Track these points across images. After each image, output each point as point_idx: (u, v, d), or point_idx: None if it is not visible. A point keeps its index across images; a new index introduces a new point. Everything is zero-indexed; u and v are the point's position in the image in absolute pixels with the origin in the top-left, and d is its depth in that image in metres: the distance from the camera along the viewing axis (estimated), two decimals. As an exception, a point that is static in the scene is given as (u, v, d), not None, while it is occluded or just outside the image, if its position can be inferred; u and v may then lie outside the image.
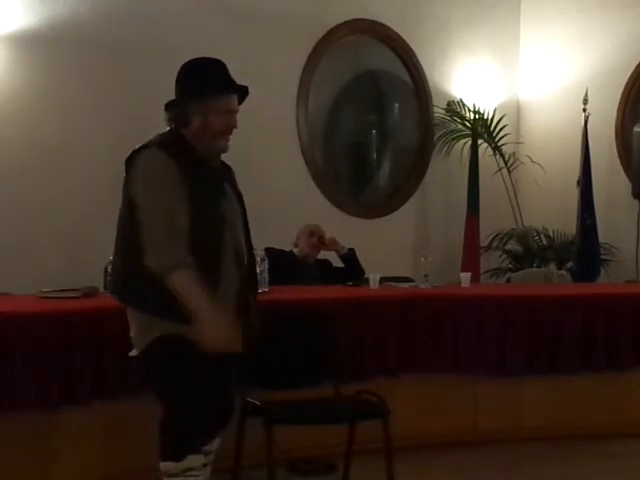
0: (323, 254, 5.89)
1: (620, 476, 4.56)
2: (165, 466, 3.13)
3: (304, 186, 6.86)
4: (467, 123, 7.46)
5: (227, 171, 3.44)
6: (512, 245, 7.49)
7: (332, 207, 7.00)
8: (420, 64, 7.41)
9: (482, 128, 7.47)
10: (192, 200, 3.12)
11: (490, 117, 7.50)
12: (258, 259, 4.78)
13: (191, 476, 3.12)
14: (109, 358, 3.91)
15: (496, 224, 7.43)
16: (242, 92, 3.35)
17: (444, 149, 7.48)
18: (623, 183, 7.16)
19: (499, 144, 7.51)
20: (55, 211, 5.68)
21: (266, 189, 6.56)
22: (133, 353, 3.23)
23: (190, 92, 3.25)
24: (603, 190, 7.12)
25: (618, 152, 7.28)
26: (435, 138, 7.47)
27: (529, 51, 7.90)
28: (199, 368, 3.11)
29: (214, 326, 3.03)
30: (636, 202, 6.98)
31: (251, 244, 3.41)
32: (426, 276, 5.30)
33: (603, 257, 7.13)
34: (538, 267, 7.18)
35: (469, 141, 7.43)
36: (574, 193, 7.09)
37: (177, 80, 3.31)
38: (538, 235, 7.45)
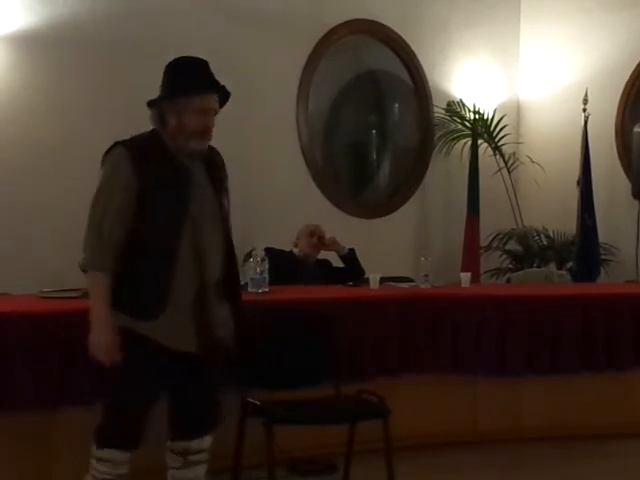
0: (323, 254, 5.89)
1: (620, 476, 4.57)
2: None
3: (304, 186, 6.85)
4: (467, 123, 7.45)
5: (215, 169, 3.40)
6: (512, 245, 7.48)
7: (332, 207, 6.99)
8: (420, 64, 7.40)
9: (482, 128, 7.47)
10: (145, 201, 3.17)
11: (490, 117, 7.50)
12: (258, 259, 4.81)
13: (104, 466, 3.21)
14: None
15: (496, 224, 7.43)
16: (224, 93, 3.35)
17: (444, 149, 7.48)
18: (623, 183, 7.16)
19: (499, 144, 7.50)
20: (55, 211, 5.67)
21: (266, 189, 6.57)
22: None
23: (165, 91, 3.30)
24: (603, 190, 7.12)
25: (618, 152, 7.27)
26: (435, 138, 7.47)
27: (529, 51, 7.90)
28: (140, 364, 3.17)
29: (97, 334, 3.15)
30: (636, 202, 6.98)
31: (231, 244, 3.38)
32: (426, 276, 5.30)
33: (603, 257, 7.13)
34: (538, 267, 7.18)
35: (469, 141, 7.42)
36: (574, 193, 7.08)
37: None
38: (538, 235, 7.45)
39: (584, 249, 6.99)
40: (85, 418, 3.86)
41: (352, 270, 5.75)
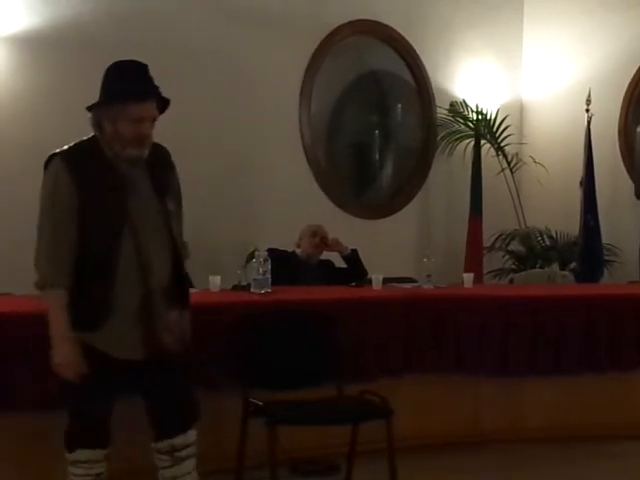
0: (326, 255, 5.89)
1: (622, 477, 4.56)
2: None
3: (307, 186, 6.85)
4: (470, 124, 7.45)
5: (159, 171, 3.34)
6: (515, 246, 7.48)
7: (335, 207, 7.00)
8: (423, 64, 7.40)
9: (485, 129, 7.46)
10: (84, 213, 3.17)
11: (493, 118, 7.50)
12: (261, 259, 4.81)
13: (80, 467, 3.27)
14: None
15: (499, 225, 7.42)
16: (164, 99, 3.30)
17: (447, 150, 7.48)
18: (626, 183, 7.15)
19: (502, 145, 7.50)
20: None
21: (268, 189, 6.57)
22: None
23: (101, 97, 3.28)
24: (606, 191, 7.11)
25: (621, 152, 7.27)
26: (438, 138, 7.47)
27: (532, 52, 7.90)
28: (92, 371, 3.17)
29: (60, 351, 3.17)
30: (639, 203, 6.97)
31: (176, 248, 3.35)
32: (429, 276, 5.30)
33: (606, 258, 7.11)
34: (541, 268, 7.17)
35: (472, 142, 7.42)
36: (577, 194, 7.08)
37: None
38: (541, 236, 7.44)
39: (587, 250, 6.98)
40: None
41: (355, 271, 5.75)
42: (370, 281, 5.24)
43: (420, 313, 4.84)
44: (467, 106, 7.50)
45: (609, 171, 7.22)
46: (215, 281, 4.92)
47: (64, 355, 3.17)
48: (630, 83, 7.22)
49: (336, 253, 5.88)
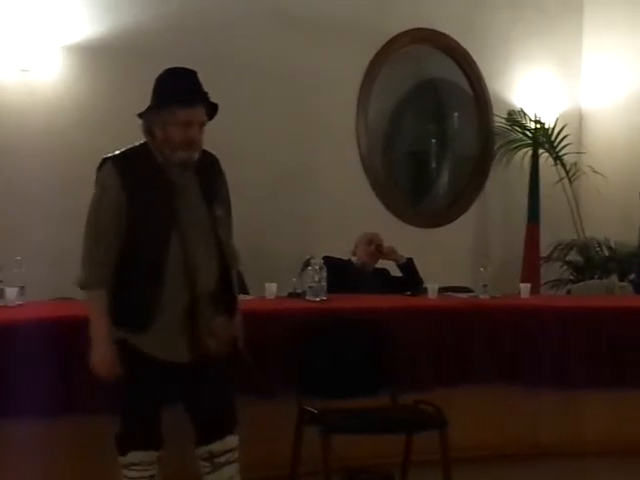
0: (381, 263, 5.88)
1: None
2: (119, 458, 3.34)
3: (363, 195, 6.86)
4: (528, 133, 7.39)
5: (208, 178, 3.39)
6: (573, 256, 7.39)
7: (391, 216, 6.98)
8: (481, 73, 7.36)
9: (543, 138, 7.39)
10: (133, 217, 3.23)
11: (551, 127, 7.43)
12: (317, 267, 4.82)
13: (134, 470, 3.30)
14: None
15: (557, 235, 7.35)
16: (212, 105, 3.35)
17: (504, 158, 7.42)
18: (688, 194, 7.03)
19: (560, 154, 7.42)
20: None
21: (325, 197, 6.59)
22: None
23: (152, 103, 3.33)
24: (667, 201, 7.00)
25: (682, 162, 7.15)
26: (495, 147, 7.42)
27: (591, 60, 7.81)
28: (139, 373, 3.24)
29: (98, 351, 3.23)
30: (701, 213, 6.85)
31: (224, 254, 3.36)
32: (485, 286, 5.26)
33: (666, 269, 7.00)
34: (599, 278, 7.08)
35: (530, 151, 7.36)
36: (637, 204, 6.97)
37: None
38: (600, 246, 7.35)
39: (646, 261, 6.87)
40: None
41: (410, 279, 5.73)
42: (426, 290, 5.22)
43: (476, 323, 4.81)
44: (525, 115, 7.44)
45: (670, 181, 7.10)
46: (271, 288, 4.94)
47: (101, 355, 3.24)
48: (692, 92, 7.11)
49: (392, 262, 5.87)
